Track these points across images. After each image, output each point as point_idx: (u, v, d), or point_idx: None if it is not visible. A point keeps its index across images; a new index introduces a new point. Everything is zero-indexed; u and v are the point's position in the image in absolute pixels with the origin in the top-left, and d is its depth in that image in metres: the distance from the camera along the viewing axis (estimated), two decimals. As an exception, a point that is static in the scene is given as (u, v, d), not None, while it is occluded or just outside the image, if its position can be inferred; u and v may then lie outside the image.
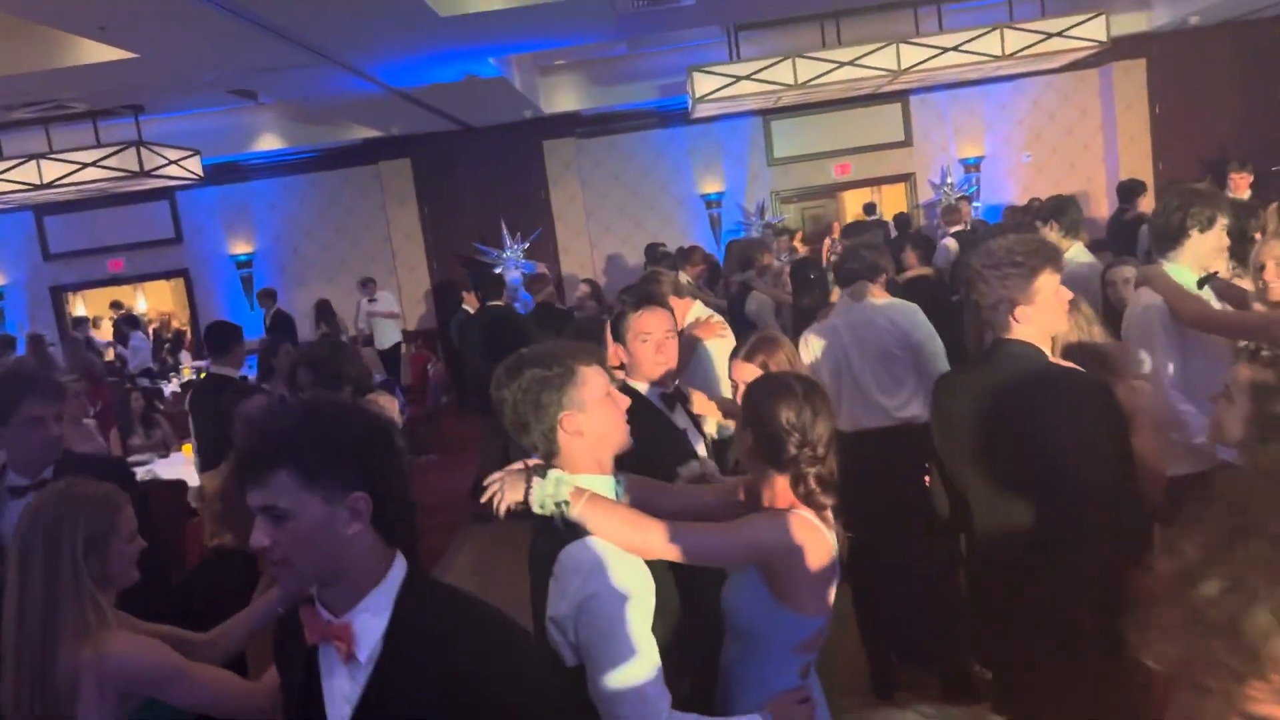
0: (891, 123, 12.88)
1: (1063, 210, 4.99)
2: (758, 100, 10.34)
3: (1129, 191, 8.83)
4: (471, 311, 7.72)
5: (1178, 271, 3.22)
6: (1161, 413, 3.13)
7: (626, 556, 1.87)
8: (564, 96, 12.28)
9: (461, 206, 12.81)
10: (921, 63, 9.38)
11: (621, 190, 13.19)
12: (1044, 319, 2.59)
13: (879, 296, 4.10)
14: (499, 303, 7.37)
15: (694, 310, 4.58)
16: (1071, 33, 9.31)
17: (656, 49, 11.56)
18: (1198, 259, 3.24)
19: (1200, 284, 3.19)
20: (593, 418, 1.98)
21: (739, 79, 9.52)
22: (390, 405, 4.04)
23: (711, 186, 12.98)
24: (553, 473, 1.91)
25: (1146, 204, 8.69)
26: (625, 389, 2.77)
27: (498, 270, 9.41)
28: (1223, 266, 3.55)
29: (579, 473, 1.97)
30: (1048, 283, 2.56)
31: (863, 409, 4.00)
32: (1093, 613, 2.49)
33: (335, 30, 6.76)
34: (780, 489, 2.04)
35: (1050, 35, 9.33)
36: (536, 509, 1.91)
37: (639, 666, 1.79)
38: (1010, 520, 2.56)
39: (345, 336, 11.22)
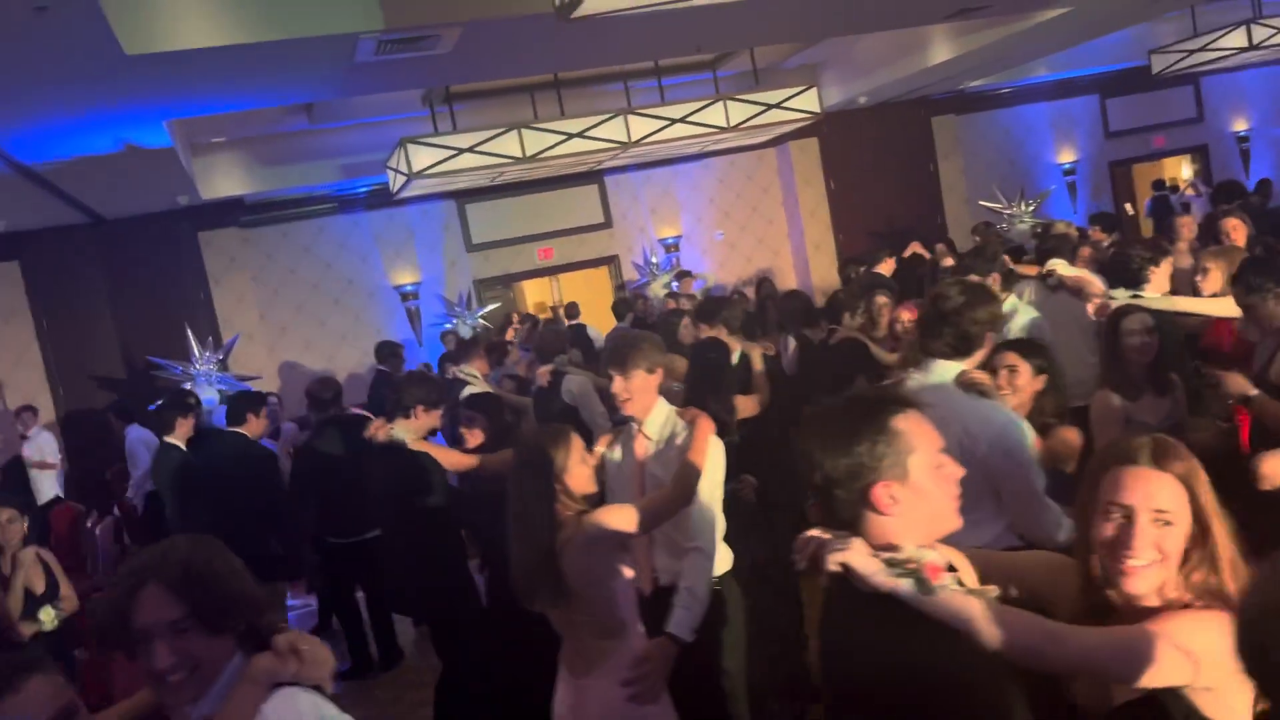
0: (589, 205, 12.41)
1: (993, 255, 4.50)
2: (474, 177, 9.32)
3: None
4: (182, 446, 5.81)
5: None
6: None
7: None
8: (224, 180, 10.41)
9: (96, 316, 10.34)
10: (652, 134, 8.94)
11: (299, 285, 11.43)
12: None
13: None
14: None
15: None
16: (788, 104, 9.37)
17: (338, 124, 10.14)
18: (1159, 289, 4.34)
19: None
20: None
21: (460, 151, 8.46)
22: None
23: (406, 277, 11.64)
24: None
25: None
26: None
27: (188, 387, 7.43)
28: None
29: None
30: None
31: None
32: None
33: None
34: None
35: (769, 107, 9.32)
36: None
37: None
38: None
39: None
